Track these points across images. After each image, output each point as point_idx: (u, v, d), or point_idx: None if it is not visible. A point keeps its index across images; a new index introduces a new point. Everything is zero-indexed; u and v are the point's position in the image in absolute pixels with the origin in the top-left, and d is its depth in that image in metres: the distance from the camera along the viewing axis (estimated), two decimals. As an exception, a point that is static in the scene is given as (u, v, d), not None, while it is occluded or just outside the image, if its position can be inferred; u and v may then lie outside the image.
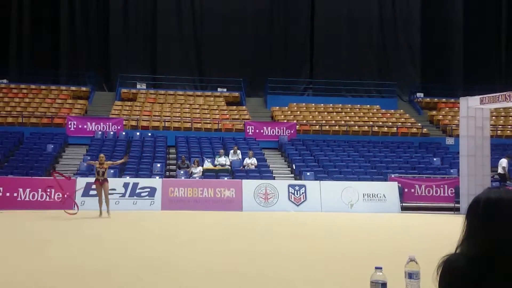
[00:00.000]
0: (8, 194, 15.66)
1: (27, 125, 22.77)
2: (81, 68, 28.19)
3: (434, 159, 21.46)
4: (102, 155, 14.62)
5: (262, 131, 23.29)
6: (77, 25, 29.00)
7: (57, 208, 14.52)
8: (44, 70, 27.23)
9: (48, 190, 15.76)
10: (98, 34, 29.39)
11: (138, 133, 22.45)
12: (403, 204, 17.44)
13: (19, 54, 28.69)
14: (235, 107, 26.97)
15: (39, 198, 15.74)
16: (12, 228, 10.95)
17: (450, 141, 23.71)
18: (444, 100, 29.18)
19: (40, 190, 15.74)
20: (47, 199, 15.73)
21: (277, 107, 26.88)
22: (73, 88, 27.25)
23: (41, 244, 8.74)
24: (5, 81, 26.96)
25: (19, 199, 15.61)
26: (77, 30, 29.00)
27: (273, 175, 19.12)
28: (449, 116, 27.08)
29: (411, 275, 2.80)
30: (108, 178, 14.28)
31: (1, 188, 15.71)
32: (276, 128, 23.54)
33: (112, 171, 18.10)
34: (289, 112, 26.57)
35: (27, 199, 15.68)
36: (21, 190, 15.68)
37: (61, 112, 24.18)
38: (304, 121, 25.35)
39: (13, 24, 28.56)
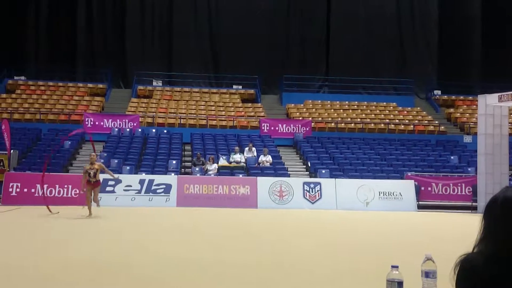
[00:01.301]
0: (25, 190, 15.87)
1: (44, 122, 23.03)
2: (98, 66, 28.46)
3: (452, 157, 21.25)
4: (93, 154, 13.57)
5: (277, 128, 23.28)
6: (94, 22, 29.26)
7: (73, 204, 14.66)
8: (61, 67, 27.53)
9: (65, 186, 15.95)
10: (114, 31, 29.61)
11: (154, 130, 22.60)
12: (420, 202, 17.31)
13: (37, 51, 29.01)
14: (250, 104, 26.98)
15: (56, 194, 15.91)
16: (28, 225, 11.08)
17: (467, 139, 23.47)
18: (462, 97, 28.87)
19: (57, 186, 15.92)
20: (64, 195, 15.90)
21: (293, 105, 26.83)
22: (90, 85, 27.51)
23: (58, 240, 8.83)
24: (23, 78, 27.31)
25: (36, 195, 15.79)
26: (94, 27, 29.26)
27: (288, 172, 19.09)
28: (467, 114, 26.80)
29: (428, 274, 2.78)
30: (100, 181, 13.30)
31: (19, 184, 15.93)
32: (292, 125, 23.51)
33: (128, 167, 18.24)
34: (304, 109, 26.51)
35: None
36: (38, 186, 15.86)
37: (78, 109, 24.42)
38: (320, 119, 25.27)
39: (30, 21, 28.89)
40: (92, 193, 13.02)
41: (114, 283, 5.55)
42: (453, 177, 18.44)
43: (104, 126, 22.44)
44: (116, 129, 22.27)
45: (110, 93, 27.59)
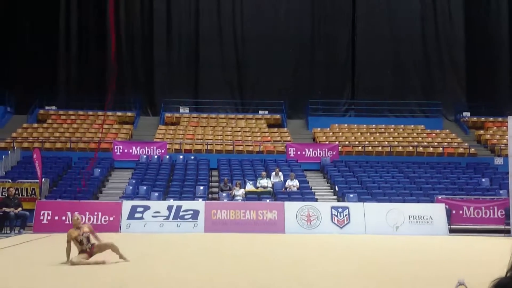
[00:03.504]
0: (56, 218, 16.11)
1: (75, 150, 23.48)
2: (126, 94, 28.97)
3: (483, 179, 20.82)
4: (76, 214, 9.70)
5: (303, 152, 23.22)
6: (123, 53, 29.89)
7: (103, 231, 14.78)
8: (90, 96, 28.13)
9: (96, 213, 16.16)
10: (142, 61, 30.20)
11: (181, 157, 22.79)
12: (451, 226, 16.96)
13: (67, 81, 29.74)
14: (276, 129, 27.06)
15: (86, 221, 16.08)
16: (56, 252, 11.20)
17: (499, 161, 23.01)
18: (491, 119, 28.43)
19: (87, 213, 16.12)
20: (94, 222, 16.08)
21: (319, 129, 26.79)
22: (119, 113, 28.02)
23: (85, 268, 8.90)
24: (53, 108, 28.01)
25: (67, 222, 15.99)
26: (123, 57, 29.89)
27: (316, 197, 18.97)
28: (497, 136, 26.32)
29: (461, 300, 2.73)
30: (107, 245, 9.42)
31: (50, 212, 16.19)
32: (318, 149, 23.42)
33: (156, 194, 18.36)
34: (331, 133, 26.44)
35: (75, 222, 16.04)
36: (69, 213, 16.08)
37: (107, 137, 24.84)
38: (346, 142, 25.14)
39: (61, 53, 29.67)
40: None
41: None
42: (485, 200, 18.06)
43: (133, 154, 22.73)
44: (144, 156, 22.55)
45: (138, 121, 28.04)
